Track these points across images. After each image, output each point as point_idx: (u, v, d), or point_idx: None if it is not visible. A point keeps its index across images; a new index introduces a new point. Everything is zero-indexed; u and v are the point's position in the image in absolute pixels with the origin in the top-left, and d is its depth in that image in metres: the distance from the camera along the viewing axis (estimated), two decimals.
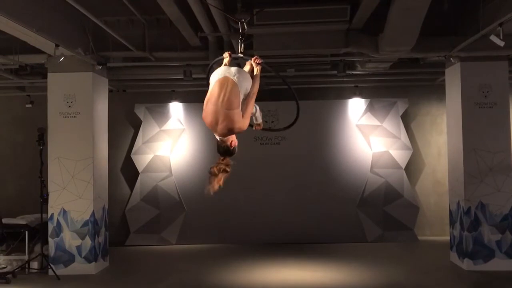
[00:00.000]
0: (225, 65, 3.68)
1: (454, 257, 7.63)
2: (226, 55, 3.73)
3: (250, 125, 3.87)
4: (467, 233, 7.24)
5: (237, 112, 3.39)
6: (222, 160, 3.57)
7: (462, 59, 7.24)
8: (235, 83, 3.41)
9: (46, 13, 5.95)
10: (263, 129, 4.28)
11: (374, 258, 8.12)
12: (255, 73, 3.65)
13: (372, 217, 9.65)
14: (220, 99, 3.37)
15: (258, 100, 3.64)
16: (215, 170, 3.50)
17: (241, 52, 3.81)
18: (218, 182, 3.50)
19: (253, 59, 3.69)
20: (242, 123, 3.43)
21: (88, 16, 5.74)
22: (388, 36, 6.10)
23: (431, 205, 10.19)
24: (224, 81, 3.42)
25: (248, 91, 3.51)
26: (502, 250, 7.20)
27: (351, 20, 6.16)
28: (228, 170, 3.55)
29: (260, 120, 4.16)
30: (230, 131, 3.42)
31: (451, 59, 7.35)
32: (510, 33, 5.84)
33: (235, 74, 3.45)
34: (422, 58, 7.86)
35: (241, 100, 3.44)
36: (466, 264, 7.21)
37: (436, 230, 10.07)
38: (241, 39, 3.83)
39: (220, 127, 3.40)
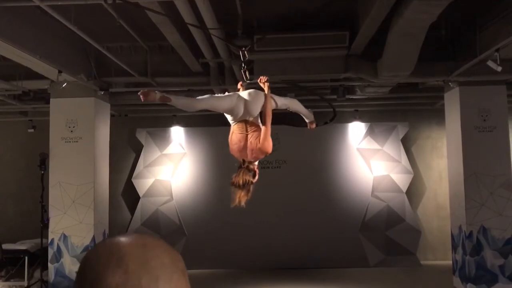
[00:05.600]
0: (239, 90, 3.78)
1: (457, 282, 7.56)
2: (239, 86, 3.82)
3: (304, 126, 4.03)
4: (469, 258, 7.18)
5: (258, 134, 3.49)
6: (246, 167, 3.38)
7: (460, 84, 7.31)
8: (252, 122, 3.53)
9: (49, 40, 6.06)
10: (317, 125, 4.34)
11: (376, 283, 8.04)
12: (267, 94, 3.67)
13: (374, 242, 9.59)
14: (248, 143, 3.47)
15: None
16: (239, 181, 3.31)
17: (247, 79, 3.88)
18: (246, 195, 3.31)
19: (258, 80, 3.76)
20: (263, 145, 3.45)
21: (91, 42, 5.84)
22: (386, 61, 6.17)
23: (433, 229, 10.13)
24: (241, 127, 3.53)
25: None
26: (505, 275, 7.13)
27: (350, 46, 6.24)
28: (254, 180, 3.38)
29: (312, 117, 4.19)
30: (258, 156, 3.50)
31: (449, 83, 7.41)
32: (507, 58, 5.91)
33: (247, 102, 3.52)
34: (421, 82, 7.94)
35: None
36: None
37: (439, 254, 9.99)
38: (243, 67, 3.89)
39: (250, 156, 3.47)
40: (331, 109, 9.70)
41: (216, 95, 3.72)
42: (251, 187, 3.34)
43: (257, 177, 3.44)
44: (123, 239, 0.83)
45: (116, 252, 0.80)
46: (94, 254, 0.82)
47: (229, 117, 3.61)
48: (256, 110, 3.54)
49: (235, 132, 3.56)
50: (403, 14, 4.78)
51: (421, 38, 5.38)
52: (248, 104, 3.52)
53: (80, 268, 0.82)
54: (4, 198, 10.47)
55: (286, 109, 4.04)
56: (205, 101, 3.46)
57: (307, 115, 4.23)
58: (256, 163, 3.52)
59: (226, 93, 3.71)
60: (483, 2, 5.73)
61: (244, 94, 3.61)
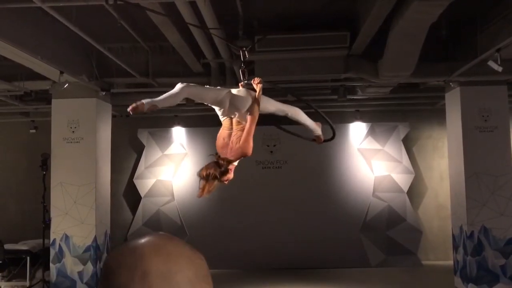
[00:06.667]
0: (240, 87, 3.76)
1: (458, 282, 7.55)
2: (240, 87, 3.80)
3: (313, 140, 3.98)
4: (470, 258, 7.18)
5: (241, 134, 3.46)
6: (215, 161, 3.32)
7: (461, 84, 7.31)
8: (238, 122, 3.51)
9: (51, 41, 6.07)
10: (325, 140, 4.17)
11: (378, 283, 8.05)
12: (257, 95, 3.61)
13: (375, 242, 9.59)
14: (231, 140, 3.46)
15: (259, 123, 3.60)
16: (203, 173, 3.27)
17: (245, 79, 3.87)
18: (208, 189, 3.27)
19: (252, 80, 3.74)
20: (242, 146, 3.39)
21: (92, 43, 5.85)
22: (387, 61, 6.17)
23: (434, 229, 10.13)
24: (228, 124, 3.53)
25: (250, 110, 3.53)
26: (507, 275, 7.13)
27: (351, 46, 6.25)
28: (223, 177, 3.30)
29: (319, 131, 4.07)
30: (236, 156, 3.45)
31: (450, 83, 7.41)
32: (507, 58, 5.92)
33: (234, 99, 3.53)
34: (422, 82, 7.93)
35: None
36: None
37: (440, 255, 9.98)
38: (242, 67, 3.89)
39: (229, 154, 3.43)
40: (332, 110, 9.74)
41: (207, 88, 3.70)
42: (216, 183, 3.29)
43: (228, 176, 3.36)
44: (146, 247, 0.82)
45: (140, 265, 0.79)
46: (117, 263, 0.81)
47: (217, 110, 3.60)
48: (241, 109, 3.50)
49: (223, 128, 3.56)
50: (403, 14, 4.79)
51: (422, 38, 5.38)
52: (234, 101, 3.50)
53: (104, 277, 0.82)
54: (6, 198, 10.49)
55: (285, 115, 3.94)
56: (190, 90, 3.43)
57: (313, 128, 4.06)
58: (236, 163, 3.48)
59: (220, 87, 3.72)
60: (484, 2, 5.73)
61: (234, 91, 3.62)
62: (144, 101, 3.18)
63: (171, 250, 0.83)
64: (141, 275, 0.78)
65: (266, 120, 3.78)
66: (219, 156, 3.39)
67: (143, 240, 0.85)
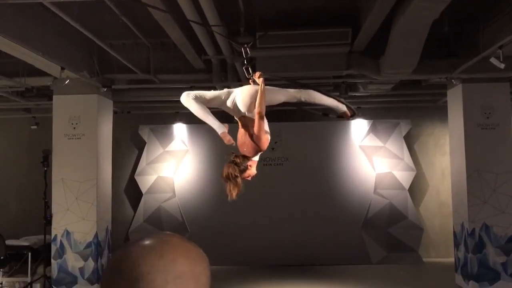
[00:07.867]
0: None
1: (459, 279, 7.56)
2: (250, 82, 3.80)
3: (341, 117, 3.91)
4: (471, 255, 7.18)
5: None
6: (232, 161, 3.39)
7: (463, 81, 7.29)
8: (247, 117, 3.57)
9: (52, 37, 6.07)
10: (352, 116, 4.03)
11: (379, 280, 8.04)
12: (259, 89, 3.57)
13: (376, 239, 9.58)
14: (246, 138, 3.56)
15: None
16: (223, 174, 3.37)
17: (250, 76, 3.84)
18: (236, 190, 3.32)
19: (254, 74, 3.70)
20: (256, 142, 3.46)
21: (94, 39, 5.85)
22: (389, 58, 6.15)
23: (435, 227, 10.13)
24: (242, 122, 3.60)
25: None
26: (508, 273, 7.12)
27: (352, 43, 6.23)
28: (243, 175, 3.38)
29: (344, 107, 3.89)
30: (252, 152, 3.51)
31: (452, 80, 7.39)
32: (510, 55, 5.90)
33: (237, 98, 3.55)
34: (424, 79, 7.91)
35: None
36: (472, 287, 7.13)
37: (441, 252, 9.98)
38: (245, 64, 3.86)
39: (247, 151, 3.51)
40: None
41: (209, 94, 3.68)
42: (239, 181, 3.32)
43: (249, 172, 3.42)
44: (173, 251, 0.87)
45: (172, 269, 0.84)
46: (148, 268, 0.83)
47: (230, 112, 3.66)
48: (248, 107, 3.53)
49: (240, 127, 3.62)
50: (405, 12, 4.77)
51: (424, 35, 5.36)
52: (236, 101, 3.55)
53: (131, 282, 0.83)
54: (8, 194, 10.50)
55: (299, 101, 3.88)
56: (195, 96, 3.56)
57: (335, 106, 3.87)
58: (256, 158, 3.51)
59: (225, 89, 3.72)
60: None
61: (237, 90, 3.62)
62: (220, 133, 3.47)
63: (194, 253, 0.90)
64: (173, 277, 0.83)
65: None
66: (235, 155, 3.41)
67: (163, 242, 0.89)
